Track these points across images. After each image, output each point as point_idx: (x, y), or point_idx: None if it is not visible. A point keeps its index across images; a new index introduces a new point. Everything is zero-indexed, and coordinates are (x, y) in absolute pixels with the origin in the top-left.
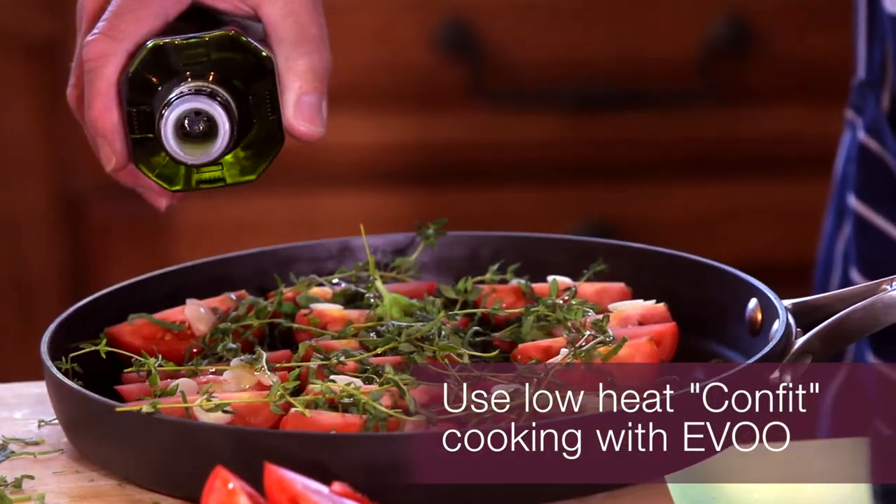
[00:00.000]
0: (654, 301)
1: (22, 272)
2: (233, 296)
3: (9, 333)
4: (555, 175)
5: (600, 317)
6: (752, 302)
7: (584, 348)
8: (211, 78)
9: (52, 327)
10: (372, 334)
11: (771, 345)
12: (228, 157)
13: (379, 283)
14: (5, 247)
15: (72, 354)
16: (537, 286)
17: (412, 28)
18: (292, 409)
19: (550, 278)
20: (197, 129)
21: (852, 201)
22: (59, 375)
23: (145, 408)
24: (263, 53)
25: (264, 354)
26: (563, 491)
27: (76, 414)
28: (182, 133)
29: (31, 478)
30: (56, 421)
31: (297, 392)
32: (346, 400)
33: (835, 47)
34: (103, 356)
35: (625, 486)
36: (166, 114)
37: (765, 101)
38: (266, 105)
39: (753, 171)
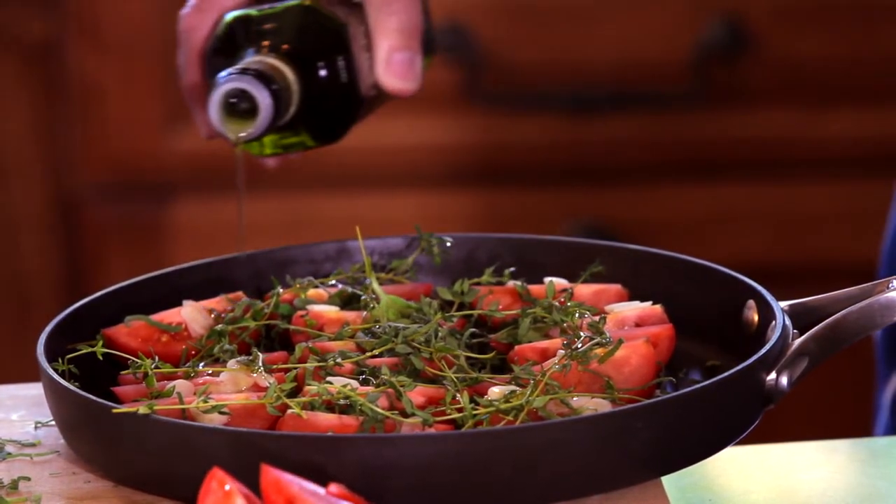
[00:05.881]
0: (650, 302)
1: (18, 273)
2: (242, 298)
3: (5, 334)
4: (551, 177)
5: (597, 318)
6: (749, 303)
7: (580, 350)
8: (283, 48)
9: (48, 329)
10: (369, 336)
11: (768, 346)
12: (304, 124)
13: (375, 285)
14: (1, 248)
15: (68, 356)
16: (534, 288)
17: None
18: (289, 411)
19: (547, 280)
20: (242, 107)
21: None
22: (56, 377)
23: (142, 409)
24: (338, 21)
25: (261, 356)
26: (559, 491)
27: (73, 415)
28: (230, 109)
29: (28, 479)
30: (53, 422)
31: (293, 393)
32: (343, 401)
33: (829, 50)
34: (100, 358)
35: (622, 488)
36: (212, 91)
37: (760, 103)
38: (338, 72)
39: (749, 172)
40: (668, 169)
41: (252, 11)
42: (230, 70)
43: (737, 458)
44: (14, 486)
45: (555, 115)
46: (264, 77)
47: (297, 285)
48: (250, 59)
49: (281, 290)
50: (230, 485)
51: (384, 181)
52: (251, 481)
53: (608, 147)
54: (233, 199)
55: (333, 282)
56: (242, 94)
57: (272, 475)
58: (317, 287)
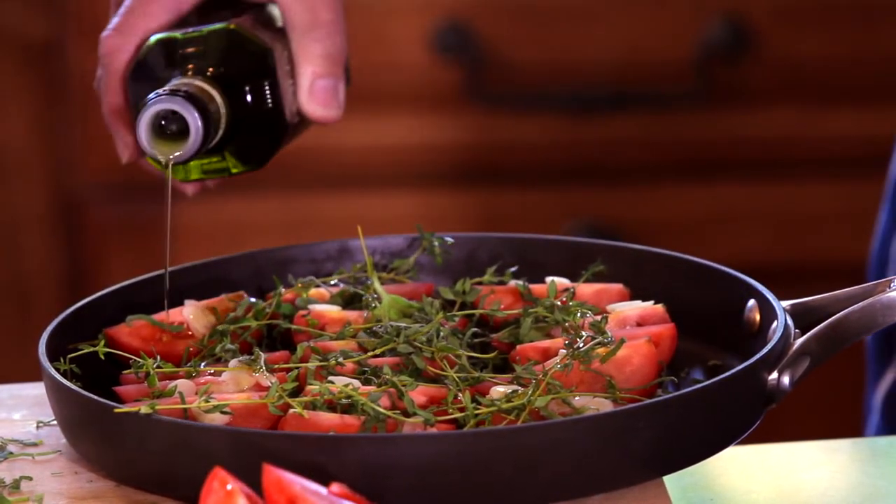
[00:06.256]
0: (652, 302)
1: (20, 273)
2: (244, 298)
3: (7, 334)
4: (551, 177)
5: (599, 318)
6: (751, 303)
7: (582, 349)
8: (210, 72)
9: (50, 328)
10: (370, 335)
11: (769, 346)
12: (230, 148)
13: (377, 285)
14: (3, 248)
15: (70, 355)
16: (535, 287)
17: (409, 29)
18: (291, 410)
19: (549, 279)
20: (171, 129)
21: None
22: (58, 377)
23: (144, 409)
24: (264, 46)
25: (262, 355)
26: (561, 491)
27: (75, 415)
28: (158, 132)
29: (30, 479)
30: (55, 422)
31: (295, 393)
32: (345, 401)
33: (829, 50)
34: (101, 357)
35: (623, 487)
36: (141, 113)
37: (762, 102)
38: (264, 96)
39: (749, 172)
40: (668, 169)
41: (176, 34)
42: (159, 91)
43: (738, 457)
44: (16, 485)
45: (556, 114)
46: (194, 99)
47: (299, 285)
48: (178, 81)
49: (283, 290)
50: (232, 484)
51: (384, 181)
52: (253, 481)
53: (609, 147)
54: (232, 199)
55: (335, 281)
56: (172, 116)
57: (274, 475)
58: (318, 286)
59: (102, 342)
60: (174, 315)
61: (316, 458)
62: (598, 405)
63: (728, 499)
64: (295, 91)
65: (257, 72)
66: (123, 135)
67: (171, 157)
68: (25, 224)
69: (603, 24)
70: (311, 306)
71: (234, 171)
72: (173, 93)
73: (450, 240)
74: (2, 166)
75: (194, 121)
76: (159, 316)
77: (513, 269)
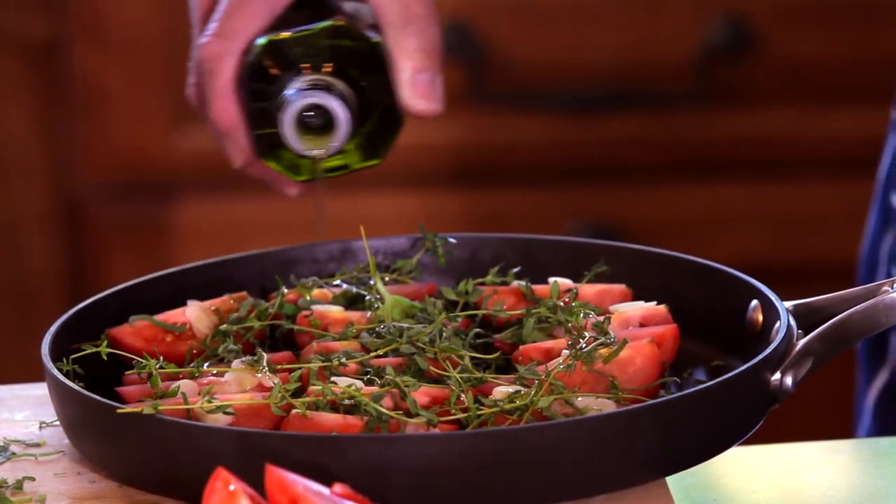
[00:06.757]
0: (655, 302)
1: (21, 274)
2: (247, 298)
3: (9, 335)
4: (552, 177)
5: (601, 318)
6: (754, 303)
7: (585, 350)
8: (325, 69)
9: (52, 329)
10: (373, 336)
11: (772, 346)
12: (350, 144)
13: (380, 285)
14: (3, 248)
15: (73, 356)
16: (538, 288)
17: None
18: (293, 411)
19: (551, 280)
20: (316, 123)
21: None
22: (61, 377)
23: (146, 409)
24: (373, 40)
25: (265, 356)
26: (563, 491)
27: (77, 415)
28: (302, 127)
29: (33, 479)
30: (57, 422)
31: (298, 393)
32: (347, 401)
33: (830, 50)
34: (104, 358)
35: (626, 488)
36: (284, 110)
37: (763, 102)
38: (381, 89)
39: (749, 172)
40: (671, 169)
41: (286, 34)
42: (297, 87)
43: (741, 457)
44: (19, 486)
45: (557, 114)
46: (334, 90)
47: (302, 285)
48: (309, 77)
49: (285, 290)
50: (235, 485)
51: (384, 181)
52: (256, 481)
53: (609, 147)
54: (235, 199)
55: (338, 282)
56: (316, 110)
57: (277, 475)
58: (321, 287)
59: (105, 342)
60: (177, 315)
61: (319, 459)
62: (601, 406)
63: (731, 499)
64: (396, 86)
65: (373, 65)
66: (237, 139)
67: (324, 148)
68: (26, 224)
69: (603, 24)
70: (313, 307)
71: (356, 166)
72: (314, 86)
73: (453, 240)
74: (2, 166)
75: (343, 111)
76: (162, 315)
77: (515, 269)
